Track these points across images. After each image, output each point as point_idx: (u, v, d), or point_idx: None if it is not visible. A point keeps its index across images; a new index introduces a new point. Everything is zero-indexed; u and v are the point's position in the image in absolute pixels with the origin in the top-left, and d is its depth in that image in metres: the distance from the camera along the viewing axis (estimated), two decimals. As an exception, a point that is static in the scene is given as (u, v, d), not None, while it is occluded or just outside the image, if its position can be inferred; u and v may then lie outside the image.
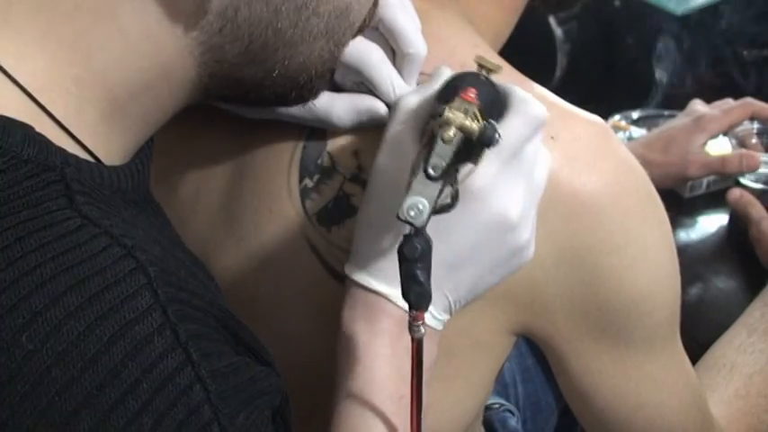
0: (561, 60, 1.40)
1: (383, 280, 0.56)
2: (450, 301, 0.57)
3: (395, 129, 0.56)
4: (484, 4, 0.68)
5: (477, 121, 0.50)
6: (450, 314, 0.58)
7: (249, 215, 0.65)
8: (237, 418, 0.46)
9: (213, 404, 0.45)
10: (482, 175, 0.53)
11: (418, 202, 0.49)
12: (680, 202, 1.08)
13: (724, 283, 0.98)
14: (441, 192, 0.51)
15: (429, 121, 0.55)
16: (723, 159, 1.02)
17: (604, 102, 1.35)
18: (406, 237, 0.50)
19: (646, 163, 1.03)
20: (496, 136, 0.49)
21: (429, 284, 0.51)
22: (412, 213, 0.49)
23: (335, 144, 0.61)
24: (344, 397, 0.56)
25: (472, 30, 0.66)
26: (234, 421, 0.46)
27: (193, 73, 0.52)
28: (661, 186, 0.99)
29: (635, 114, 1.23)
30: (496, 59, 0.64)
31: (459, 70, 0.59)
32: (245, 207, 0.66)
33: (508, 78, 0.63)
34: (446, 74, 0.58)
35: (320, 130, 0.62)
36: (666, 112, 1.24)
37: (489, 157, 0.53)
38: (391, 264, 0.53)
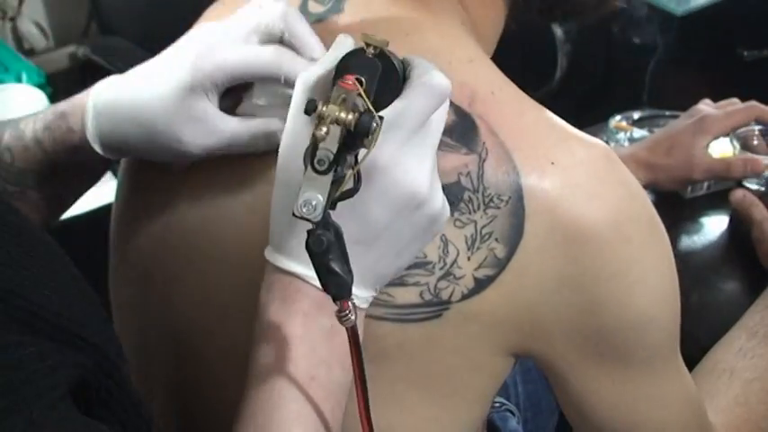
0: (561, 60, 1.39)
1: (296, 260, 0.55)
2: (371, 278, 0.56)
3: (294, 108, 0.55)
4: (479, 6, 0.67)
5: (354, 110, 0.49)
6: (375, 290, 0.57)
7: (248, 232, 0.64)
8: None
9: None
10: (384, 152, 0.52)
11: (311, 198, 0.49)
12: (681, 203, 1.08)
13: (725, 285, 0.98)
14: (338, 180, 0.50)
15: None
16: (728, 164, 1.01)
17: (605, 102, 1.35)
18: (310, 231, 0.50)
19: (650, 166, 1.02)
20: (374, 124, 0.49)
21: (348, 271, 0.51)
22: (305, 209, 0.49)
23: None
24: (254, 376, 0.55)
25: (469, 39, 0.65)
26: None
27: None
28: (665, 188, 0.98)
29: (636, 115, 1.23)
30: (494, 78, 0.63)
31: (456, 90, 0.58)
32: (244, 224, 0.65)
33: (506, 98, 0.62)
34: (346, 44, 0.56)
35: None
36: (668, 113, 1.23)
37: (390, 134, 0.52)
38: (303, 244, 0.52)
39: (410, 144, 0.53)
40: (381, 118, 0.50)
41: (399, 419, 0.64)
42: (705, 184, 1.09)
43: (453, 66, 0.62)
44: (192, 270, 0.69)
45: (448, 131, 0.59)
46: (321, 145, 0.49)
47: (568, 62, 1.39)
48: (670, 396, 0.68)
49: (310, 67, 0.56)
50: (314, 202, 0.49)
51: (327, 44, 0.60)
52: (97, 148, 0.67)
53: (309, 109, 0.49)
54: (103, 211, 1.36)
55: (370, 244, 0.54)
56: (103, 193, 1.45)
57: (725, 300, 0.96)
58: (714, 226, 1.06)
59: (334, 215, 0.52)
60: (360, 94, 0.50)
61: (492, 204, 0.59)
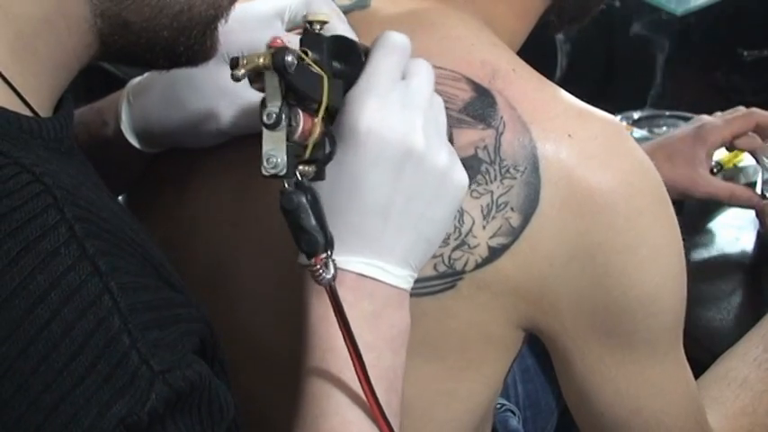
0: (561, 60, 1.40)
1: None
2: (400, 253, 0.56)
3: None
4: (500, 11, 0.69)
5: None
6: (412, 268, 0.57)
7: (260, 218, 0.66)
8: (150, 332, 0.48)
9: (123, 314, 0.47)
10: (364, 115, 0.54)
11: (273, 154, 0.51)
12: (681, 201, 1.08)
13: (725, 284, 0.98)
14: (299, 140, 0.52)
15: None
16: (732, 192, 1.01)
17: (605, 102, 1.35)
18: (282, 191, 0.52)
19: None
20: (289, 57, 0.50)
21: (320, 230, 0.52)
22: (269, 166, 0.51)
23: None
24: (305, 369, 0.56)
25: (489, 30, 0.67)
26: (146, 335, 0.47)
27: (86, 10, 0.53)
28: None
29: (636, 115, 1.23)
30: (515, 60, 0.64)
31: (477, 68, 0.61)
32: (255, 210, 0.67)
33: (527, 75, 0.63)
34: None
35: None
36: (668, 113, 1.23)
37: (363, 95, 0.54)
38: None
39: (389, 103, 0.54)
40: (328, 74, 0.53)
41: (416, 393, 0.65)
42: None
43: (476, 47, 0.64)
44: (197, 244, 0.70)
45: (465, 108, 0.61)
46: (267, 103, 0.51)
47: (568, 62, 1.39)
48: (670, 385, 0.68)
49: None
50: (277, 159, 0.51)
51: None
52: (131, 140, 0.69)
53: (232, 64, 0.51)
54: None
55: (384, 215, 0.55)
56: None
57: (725, 298, 0.96)
58: (714, 225, 1.06)
59: (337, 188, 0.54)
60: (315, 59, 0.53)
61: (508, 175, 0.60)
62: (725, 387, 0.77)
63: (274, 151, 0.51)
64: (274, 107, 0.51)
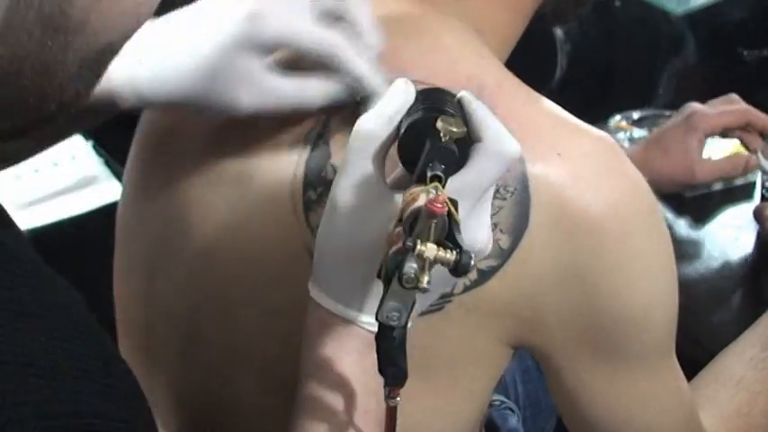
0: (561, 60, 1.39)
1: (351, 306, 0.54)
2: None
3: (354, 156, 0.53)
4: (490, 8, 0.67)
5: (446, 245, 0.47)
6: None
7: (253, 225, 0.65)
8: None
9: None
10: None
11: (396, 308, 0.48)
12: (681, 201, 1.08)
13: (725, 285, 0.98)
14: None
15: (403, 194, 0.50)
16: (725, 167, 1.02)
17: (604, 102, 1.35)
18: (386, 326, 0.49)
19: (648, 167, 1.02)
20: (472, 262, 0.47)
21: (405, 363, 0.50)
22: (389, 318, 0.49)
23: (339, 156, 0.60)
24: (308, 412, 0.55)
25: (477, 39, 0.65)
26: None
27: None
28: (666, 190, 0.98)
29: (636, 115, 1.23)
30: (501, 73, 0.63)
31: (463, 83, 0.57)
32: (249, 217, 0.66)
33: (514, 91, 0.62)
34: (403, 89, 0.54)
35: (324, 141, 0.62)
36: (668, 112, 1.23)
37: (460, 202, 0.51)
38: (359, 290, 0.53)
39: (476, 207, 0.53)
40: (454, 201, 0.49)
41: (405, 411, 0.64)
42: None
43: (462, 59, 0.63)
44: (192, 248, 0.69)
45: None
46: (407, 266, 0.46)
47: (568, 62, 1.39)
48: (664, 395, 0.68)
49: (367, 117, 0.53)
50: (397, 314, 0.48)
51: None
52: (130, 96, 0.63)
53: (409, 247, 0.46)
54: (104, 212, 1.36)
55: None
56: (103, 193, 1.46)
57: (725, 299, 0.96)
58: (714, 225, 1.06)
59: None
60: (449, 213, 0.48)
61: (498, 196, 0.59)
62: (720, 387, 0.77)
63: (398, 306, 0.48)
64: (417, 271, 0.46)
